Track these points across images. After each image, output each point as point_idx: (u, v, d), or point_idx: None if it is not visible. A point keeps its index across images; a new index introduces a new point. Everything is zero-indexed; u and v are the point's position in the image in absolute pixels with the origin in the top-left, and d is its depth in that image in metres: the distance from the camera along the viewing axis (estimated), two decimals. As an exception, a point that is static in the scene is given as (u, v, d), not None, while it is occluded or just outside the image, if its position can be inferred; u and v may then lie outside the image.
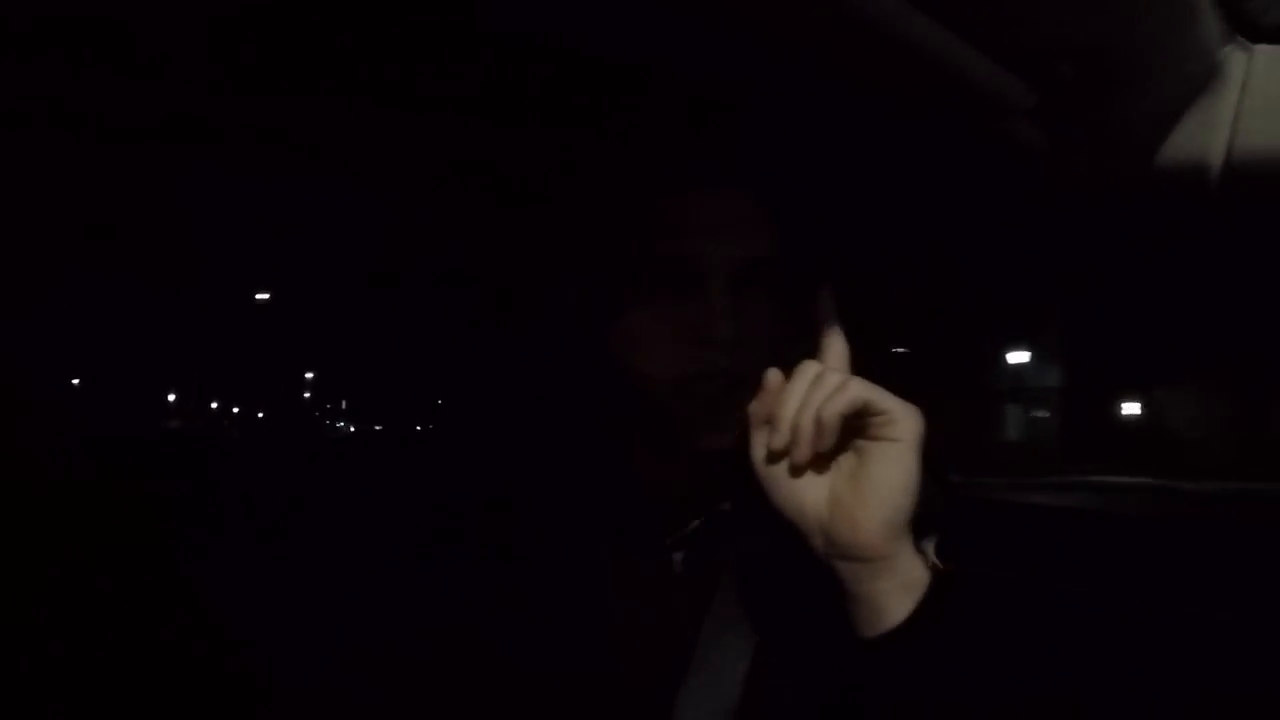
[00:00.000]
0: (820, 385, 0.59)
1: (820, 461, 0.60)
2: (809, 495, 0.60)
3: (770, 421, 0.60)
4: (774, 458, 0.60)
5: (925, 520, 0.97)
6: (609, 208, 0.71)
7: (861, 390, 0.58)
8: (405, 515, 0.75)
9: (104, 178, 1.02)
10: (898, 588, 0.58)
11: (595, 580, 0.68)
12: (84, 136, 0.85)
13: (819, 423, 0.57)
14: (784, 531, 0.74)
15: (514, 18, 0.69)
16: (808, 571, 0.72)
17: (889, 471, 0.58)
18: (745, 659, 0.68)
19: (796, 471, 0.60)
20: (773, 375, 0.61)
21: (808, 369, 0.60)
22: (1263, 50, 0.60)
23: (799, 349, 0.66)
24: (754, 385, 0.65)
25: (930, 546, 1.01)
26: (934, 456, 1.07)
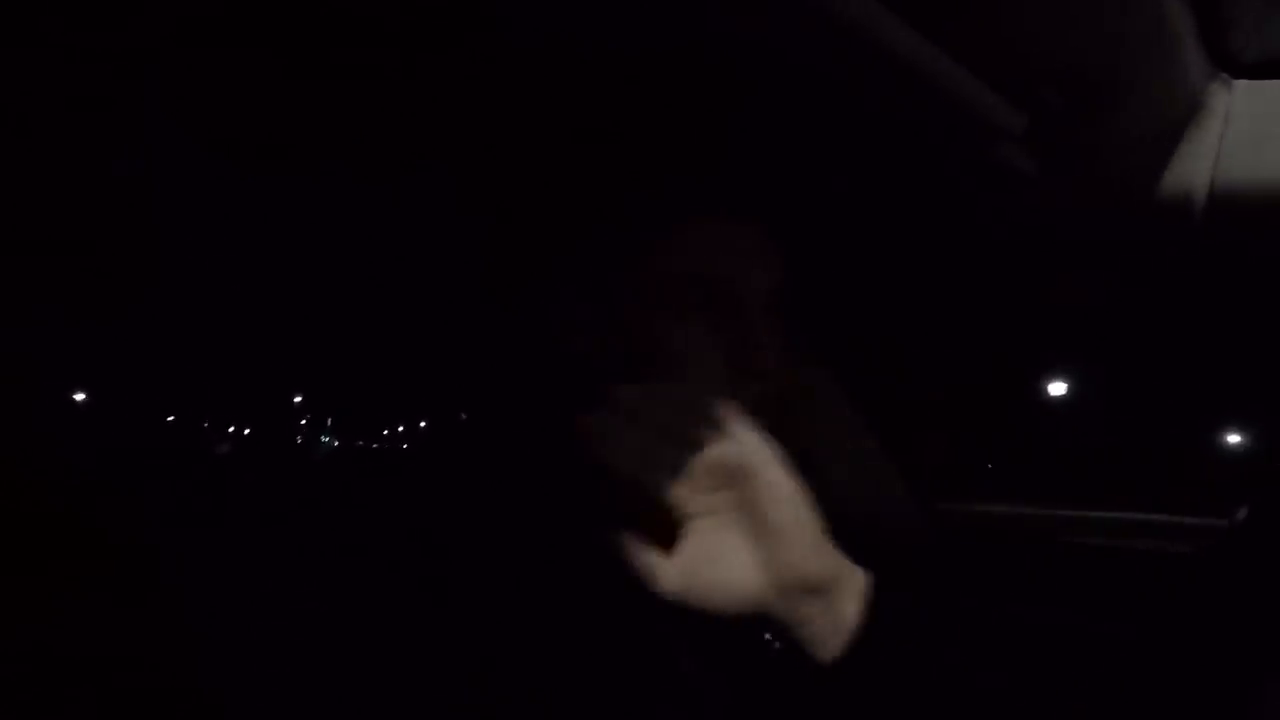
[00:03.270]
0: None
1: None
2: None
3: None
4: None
5: (906, 548, 0.96)
6: (636, 226, 0.67)
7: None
8: (403, 537, 0.72)
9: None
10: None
11: (596, 603, 0.64)
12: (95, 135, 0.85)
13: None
14: None
15: (540, 29, 0.70)
16: None
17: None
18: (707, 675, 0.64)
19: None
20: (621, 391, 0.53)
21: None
22: (1243, 85, 0.62)
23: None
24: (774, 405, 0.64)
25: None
26: (920, 483, 1.08)
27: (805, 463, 1.07)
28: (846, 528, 1.02)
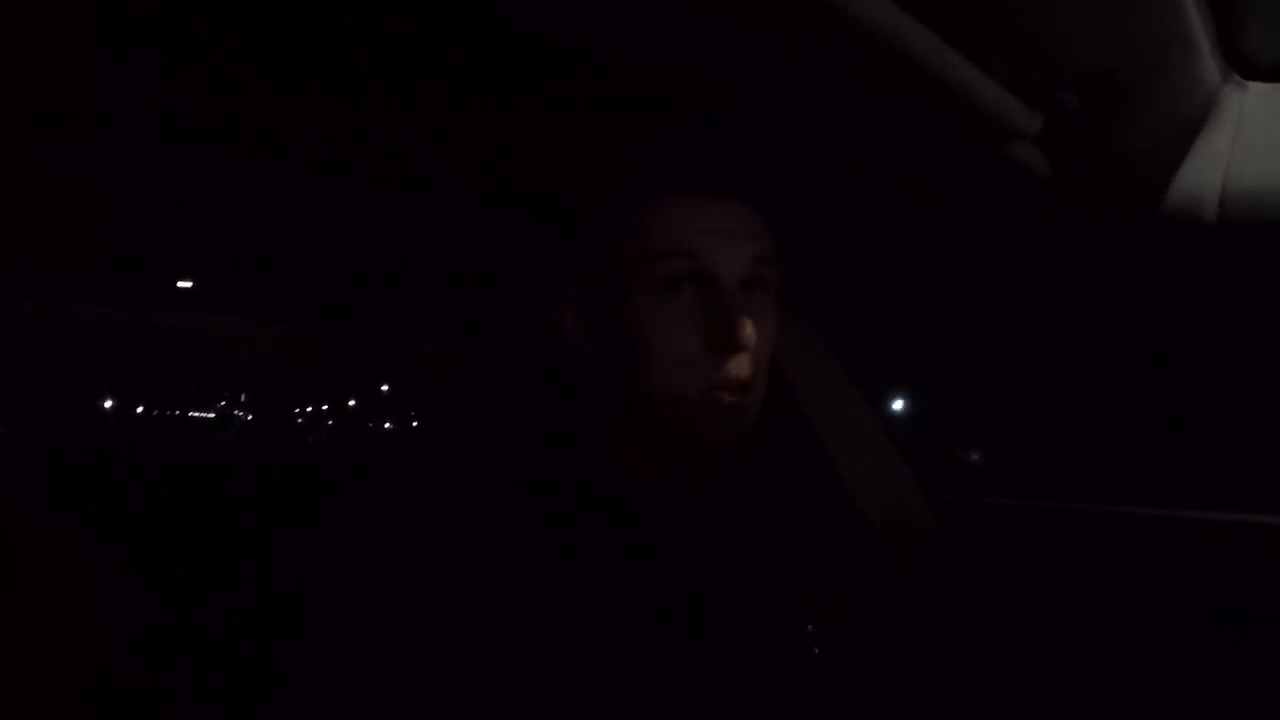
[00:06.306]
0: None
1: None
2: None
3: None
4: None
5: (907, 533, 0.97)
6: (611, 208, 0.68)
7: None
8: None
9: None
10: None
11: (586, 595, 0.63)
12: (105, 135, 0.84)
13: None
14: (780, 542, 0.74)
15: (524, 16, 0.70)
16: (801, 582, 0.72)
17: None
18: (738, 676, 0.64)
19: None
20: None
21: None
22: (1257, 87, 0.63)
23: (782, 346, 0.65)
24: (759, 385, 0.66)
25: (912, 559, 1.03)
26: (920, 470, 1.09)
27: (815, 450, 1.08)
28: (855, 512, 1.03)
